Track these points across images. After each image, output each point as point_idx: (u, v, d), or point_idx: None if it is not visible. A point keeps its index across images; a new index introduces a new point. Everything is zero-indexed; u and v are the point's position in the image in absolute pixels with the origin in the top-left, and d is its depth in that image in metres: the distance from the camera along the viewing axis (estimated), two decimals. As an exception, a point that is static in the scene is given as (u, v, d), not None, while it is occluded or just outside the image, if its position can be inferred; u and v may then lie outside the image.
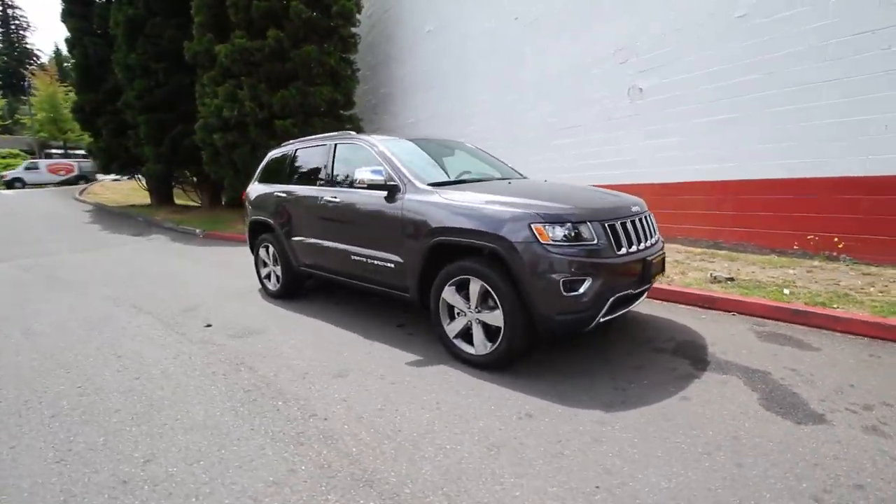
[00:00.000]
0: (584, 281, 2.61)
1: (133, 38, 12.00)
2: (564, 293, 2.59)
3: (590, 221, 2.70)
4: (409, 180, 3.36)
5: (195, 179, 14.05)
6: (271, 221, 4.66)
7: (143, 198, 16.47)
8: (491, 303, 2.86)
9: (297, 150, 4.64)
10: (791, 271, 4.61)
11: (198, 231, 10.57)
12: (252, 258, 5.23)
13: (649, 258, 2.91)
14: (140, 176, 15.58)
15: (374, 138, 3.87)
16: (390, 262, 3.42)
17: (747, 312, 3.82)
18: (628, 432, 2.20)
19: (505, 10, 8.55)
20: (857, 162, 4.46)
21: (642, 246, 2.94)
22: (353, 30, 11.54)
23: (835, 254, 4.67)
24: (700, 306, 4.07)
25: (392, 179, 3.39)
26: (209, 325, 4.06)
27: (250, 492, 1.89)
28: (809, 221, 4.84)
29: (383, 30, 12.67)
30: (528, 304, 2.65)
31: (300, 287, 4.83)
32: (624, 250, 2.79)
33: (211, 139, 10.49)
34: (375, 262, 3.54)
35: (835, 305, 3.69)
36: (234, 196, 13.01)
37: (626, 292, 2.79)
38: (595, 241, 2.68)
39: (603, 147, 6.94)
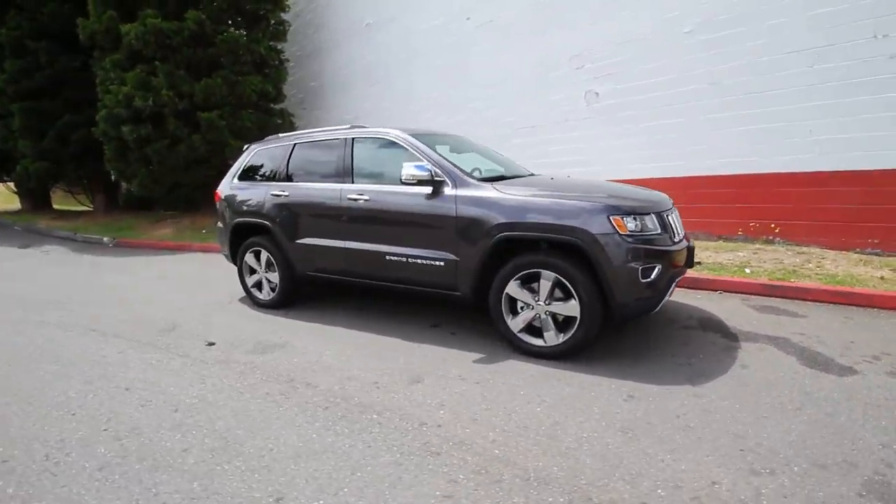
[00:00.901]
0: (654, 267, 2.83)
1: (2, 11, 9.82)
2: (641, 280, 2.78)
3: (652, 213, 2.93)
4: (458, 176, 3.31)
5: (86, 181, 11.96)
6: (267, 224, 4.21)
7: (8, 202, 13.58)
8: (559, 294, 2.95)
9: (296, 144, 4.25)
10: (741, 254, 5.41)
11: (106, 240, 9.08)
12: (217, 269, 4.68)
13: (690, 245, 3.24)
14: (6, 176, 12.84)
15: (400, 132, 3.71)
16: (439, 260, 3.32)
17: (730, 290, 4.43)
18: (726, 400, 2.45)
19: (455, 9, 8.64)
20: (787, 161, 5.39)
21: (682, 235, 3.26)
22: (283, 16, 10.77)
23: (772, 237, 5.58)
24: (686, 287, 4.60)
25: (438, 175, 3.30)
26: (212, 344, 3.58)
27: (427, 510, 1.76)
28: (750, 211, 5.71)
29: (312, 19, 11.99)
30: (608, 292, 2.79)
31: (296, 295, 4.45)
32: (676, 238, 3.07)
33: (117, 132, 9.05)
34: (419, 261, 3.41)
35: (791, 279, 4.44)
36: (143, 197, 11.40)
37: (679, 277, 3.08)
38: (658, 231, 2.91)
39: (561, 146, 7.40)
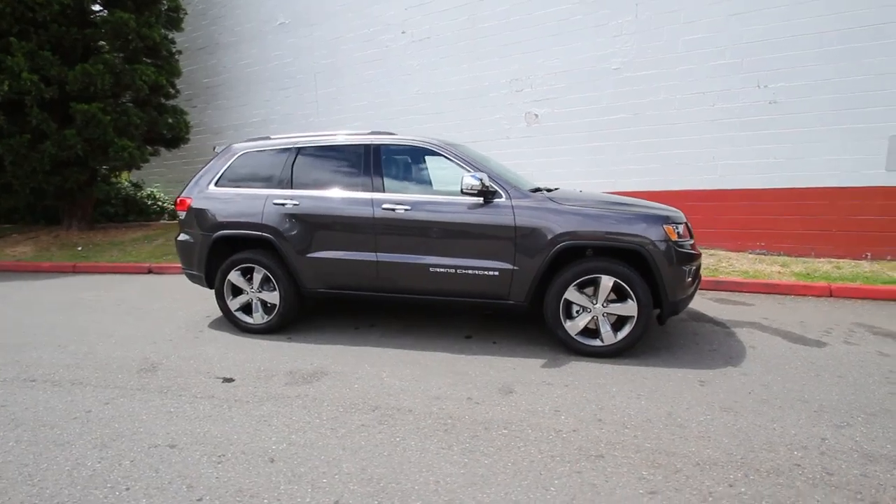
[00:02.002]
0: (692, 269, 3.28)
1: None
2: (686, 279, 3.21)
3: (684, 223, 3.39)
4: (513, 186, 3.38)
5: None
6: (268, 236, 3.69)
7: None
8: (613, 296, 3.22)
9: (301, 147, 3.81)
10: (668, 257, 6.45)
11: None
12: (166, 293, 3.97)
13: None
14: None
15: (437, 140, 3.64)
16: (493, 269, 3.33)
17: (683, 287, 5.26)
18: (769, 375, 2.96)
19: (389, 20, 8.59)
20: (696, 180, 6.60)
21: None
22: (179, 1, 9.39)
23: (687, 243, 6.76)
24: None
25: (492, 185, 3.32)
26: (230, 380, 3.01)
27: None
28: (670, 221, 6.84)
29: (206, 9, 10.71)
30: (663, 292, 3.14)
31: (294, 317, 3.96)
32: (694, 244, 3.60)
33: (-55, 121, 6.83)
34: (471, 271, 3.37)
35: (720, 276, 5.47)
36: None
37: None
38: (689, 239, 3.39)
39: (502, 162, 7.85)
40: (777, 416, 2.46)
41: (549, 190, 3.63)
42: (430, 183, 3.79)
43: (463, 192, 3.26)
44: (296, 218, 3.66)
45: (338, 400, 2.72)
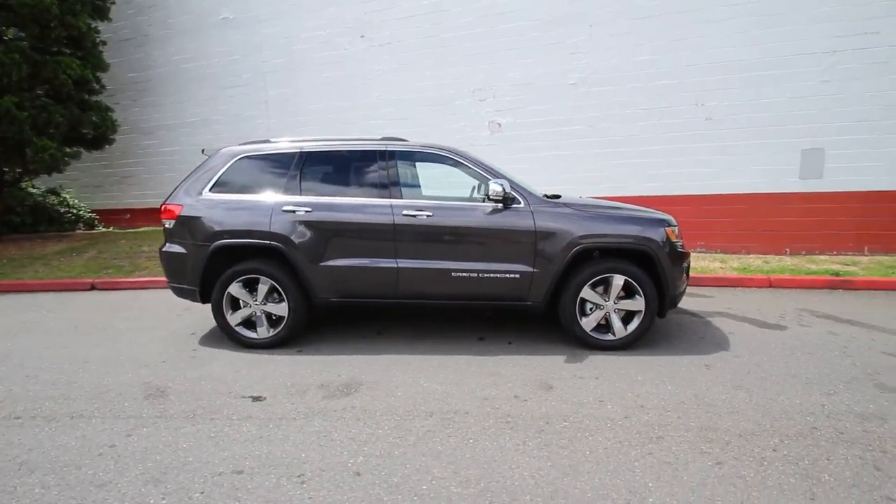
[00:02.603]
0: (686, 266, 3.68)
1: None
2: (683, 276, 3.59)
3: (676, 225, 3.78)
4: (530, 193, 3.55)
5: None
6: (277, 245, 3.51)
7: None
8: (622, 293, 3.52)
9: (309, 151, 3.68)
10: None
11: None
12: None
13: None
14: None
15: (447, 146, 3.71)
16: (514, 272, 3.48)
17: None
18: (755, 356, 3.40)
19: (345, 23, 8.46)
20: (647, 187, 7.29)
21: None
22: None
23: (639, 244, 7.43)
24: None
25: (511, 192, 3.47)
26: (260, 398, 2.85)
27: None
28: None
29: (134, -1, 9.73)
30: (665, 288, 3.49)
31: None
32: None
33: None
34: (492, 275, 3.48)
35: (675, 273, 6.11)
36: None
37: (683, 274, 4.04)
38: (681, 239, 3.79)
39: (467, 168, 8.07)
40: (780, 391, 2.86)
41: (555, 196, 3.86)
42: (443, 189, 3.85)
43: (489, 198, 3.38)
44: (308, 225, 3.52)
45: (389, 409, 2.69)
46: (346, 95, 8.67)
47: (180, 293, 3.82)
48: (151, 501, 1.92)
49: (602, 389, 2.91)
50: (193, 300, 3.78)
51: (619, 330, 3.52)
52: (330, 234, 3.54)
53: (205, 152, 4.01)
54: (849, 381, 2.97)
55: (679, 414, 2.59)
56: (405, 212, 3.51)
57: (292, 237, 3.52)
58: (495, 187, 3.34)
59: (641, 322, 3.50)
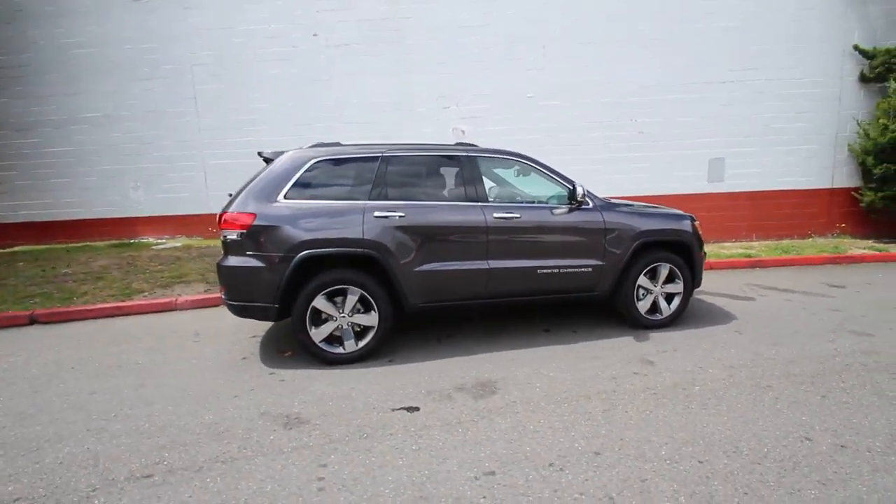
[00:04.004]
0: (705, 254, 4.47)
1: None
2: (703, 261, 4.37)
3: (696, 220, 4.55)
4: (592, 195, 3.96)
5: None
6: (371, 252, 3.36)
7: None
8: (664, 278, 4.16)
9: (389, 156, 3.56)
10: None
11: None
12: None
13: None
14: None
15: (517, 151, 3.96)
16: (587, 266, 3.87)
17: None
18: (756, 322, 4.31)
19: (294, 20, 7.97)
20: (595, 190, 8.29)
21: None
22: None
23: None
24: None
25: (583, 194, 3.84)
26: (415, 409, 2.80)
27: None
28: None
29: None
30: (695, 273, 4.22)
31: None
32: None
33: None
34: (571, 269, 3.83)
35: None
36: None
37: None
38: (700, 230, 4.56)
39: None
40: (799, 344, 3.73)
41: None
42: (520, 191, 4.06)
43: (575, 200, 3.73)
44: (402, 231, 3.44)
45: (548, 398, 2.86)
46: (298, 95, 8.14)
47: (245, 312, 3.38)
48: (442, 515, 1.85)
49: (691, 359, 3.46)
50: (264, 319, 3.38)
51: (665, 310, 4.16)
52: (424, 239, 3.50)
53: (263, 155, 3.60)
54: (832, 331, 4.00)
55: (760, 369, 3.26)
56: (496, 214, 3.65)
57: (386, 243, 3.40)
58: (579, 189, 3.71)
59: (681, 302, 4.19)
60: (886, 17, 7.64)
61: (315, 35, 8.04)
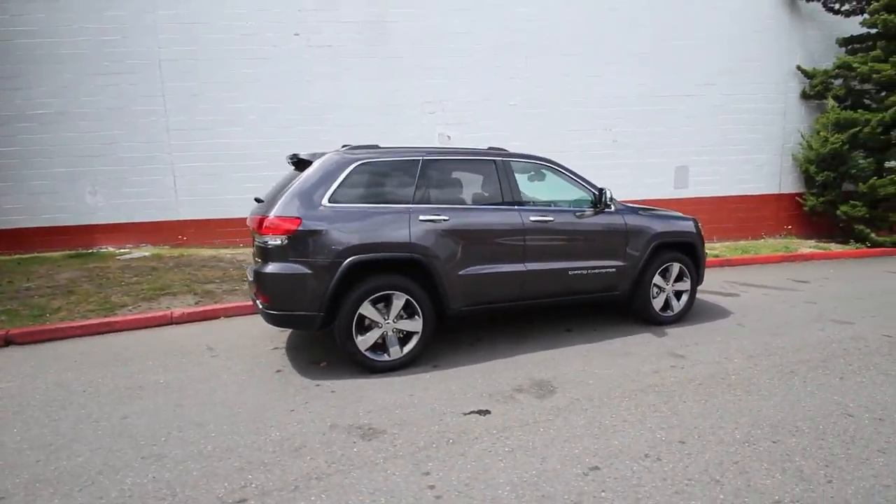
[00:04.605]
0: (706, 253, 4.82)
1: None
2: (705, 260, 4.72)
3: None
4: (613, 199, 4.15)
5: None
6: (417, 256, 3.33)
7: None
8: (674, 277, 4.44)
9: (427, 159, 3.54)
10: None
11: None
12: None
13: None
14: None
15: (548, 158, 4.12)
16: (612, 267, 4.07)
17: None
18: (752, 315, 4.71)
19: (274, 17, 7.66)
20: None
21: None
22: None
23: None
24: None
25: (607, 198, 4.03)
26: (486, 412, 2.81)
27: None
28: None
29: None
30: (699, 271, 4.54)
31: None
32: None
33: None
34: (597, 270, 4.00)
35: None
36: None
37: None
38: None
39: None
40: (796, 334, 4.13)
41: None
42: (549, 195, 4.17)
43: (605, 204, 3.91)
44: (447, 234, 3.43)
45: (607, 395, 2.98)
46: (278, 97, 7.82)
47: (287, 322, 3.23)
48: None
49: (713, 351, 3.73)
50: (306, 329, 3.26)
51: (676, 306, 4.45)
52: (467, 242, 3.52)
53: (299, 156, 3.46)
54: (817, 320, 4.47)
55: (776, 357, 3.58)
56: (532, 217, 3.74)
57: (432, 247, 3.38)
58: (608, 193, 3.89)
59: (689, 300, 4.50)
60: (823, 41, 8.66)
61: (297, 35, 7.78)
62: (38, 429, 2.67)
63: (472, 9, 8.09)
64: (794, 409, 2.73)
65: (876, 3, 7.56)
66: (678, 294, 4.48)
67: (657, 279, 4.32)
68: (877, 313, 4.62)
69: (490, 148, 3.99)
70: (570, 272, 3.91)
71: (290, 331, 4.34)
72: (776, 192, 9.14)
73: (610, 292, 4.18)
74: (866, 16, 7.76)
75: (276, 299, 3.18)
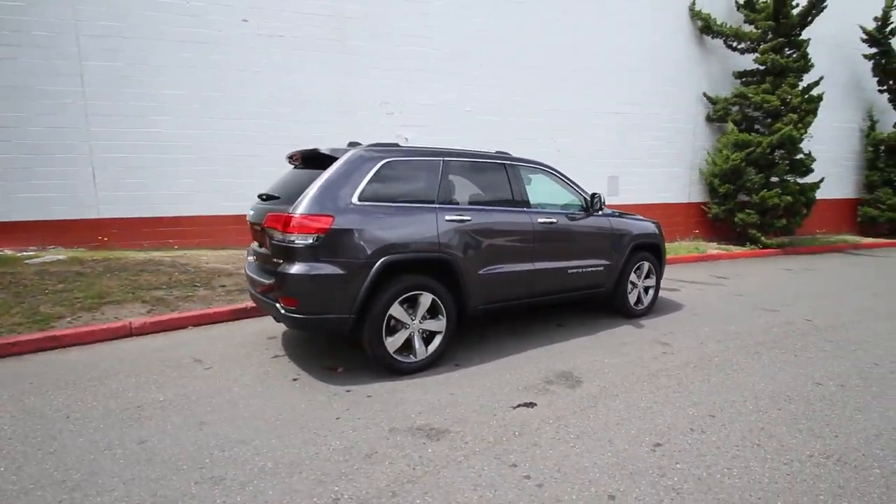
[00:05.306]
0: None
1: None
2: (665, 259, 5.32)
3: (650, 225, 5.48)
4: (604, 203, 4.51)
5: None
6: (445, 256, 3.35)
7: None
8: (644, 274, 4.95)
9: (447, 160, 3.55)
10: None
11: None
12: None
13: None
14: None
15: (546, 163, 4.36)
16: (601, 266, 4.43)
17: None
18: (702, 307, 5.42)
19: (225, 2, 7.02)
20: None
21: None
22: None
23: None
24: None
25: (602, 203, 4.39)
26: (532, 404, 2.94)
27: None
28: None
29: None
30: (662, 268, 5.11)
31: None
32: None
33: None
34: (590, 269, 4.34)
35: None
36: None
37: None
38: (657, 234, 5.50)
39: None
40: (743, 321, 4.84)
41: None
42: (547, 198, 4.37)
43: (597, 208, 4.23)
44: (469, 234, 3.49)
45: (634, 379, 3.27)
46: (222, 86, 7.17)
47: (318, 325, 3.04)
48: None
49: (689, 338, 4.23)
50: (337, 333, 3.11)
51: (646, 300, 4.97)
52: (486, 242, 3.60)
53: (320, 151, 3.25)
54: (752, 310, 5.27)
55: (739, 340, 4.18)
56: (540, 219, 3.94)
57: (457, 247, 3.42)
58: (603, 198, 4.23)
59: (655, 294, 5.05)
60: (723, 73, 10.18)
61: (245, 20, 7.21)
62: (35, 465, 2.21)
63: (431, 14, 8.19)
64: (776, 383, 3.25)
65: (765, 45, 9.12)
66: (646, 289, 5.01)
67: (633, 276, 4.79)
68: (790, 302, 5.59)
69: (499, 152, 4.13)
70: (569, 271, 4.19)
71: (279, 338, 4.07)
72: (686, 201, 10.52)
73: (598, 289, 4.54)
74: (758, 55, 9.32)
75: (305, 302, 2.97)
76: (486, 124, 8.71)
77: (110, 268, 5.87)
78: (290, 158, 3.78)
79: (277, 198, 3.30)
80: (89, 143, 6.72)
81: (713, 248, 9.53)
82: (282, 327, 4.38)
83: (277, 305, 3.08)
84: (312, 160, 3.43)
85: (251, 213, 3.60)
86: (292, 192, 3.19)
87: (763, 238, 9.41)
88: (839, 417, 2.73)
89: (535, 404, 2.90)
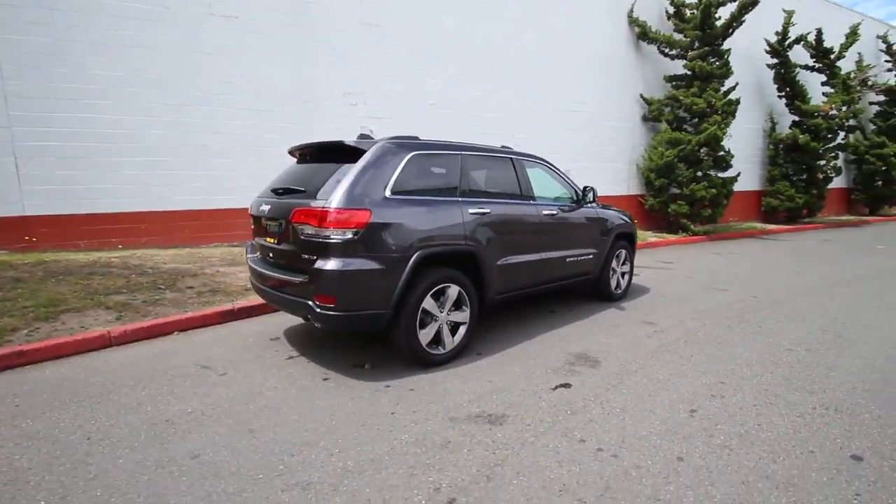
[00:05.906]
0: (630, 240, 5.91)
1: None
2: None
3: (620, 216, 5.91)
4: (592, 196, 4.79)
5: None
6: (471, 248, 3.41)
7: None
8: (622, 261, 5.37)
9: (464, 154, 3.59)
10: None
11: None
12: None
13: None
14: None
15: (541, 156, 4.54)
16: (591, 254, 4.74)
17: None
18: (672, 289, 5.98)
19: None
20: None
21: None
22: None
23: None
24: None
25: (594, 195, 4.67)
26: (567, 385, 3.13)
27: None
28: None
29: None
30: (634, 254, 5.56)
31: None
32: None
33: None
34: (582, 257, 4.63)
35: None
36: None
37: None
38: (621, 225, 5.95)
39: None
40: (703, 300, 5.43)
41: None
42: (542, 191, 4.54)
43: (590, 200, 4.51)
44: (489, 226, 3.58)
45: (649, 354, 3.57)
46: (169, 67, 6.51)
47: (355, 322, 2.94)
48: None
49: (667, 317, 4.68)
50: (373, 328, 3.00)
51: (623, 285, 5.39)
52: (504, 233, 3.72)
53: (345, 143, 3.12)
54: (706, 290, 5.92)
55: (710, 317, 4.70)
56: (545, 211, 4.13)
57: (480, 239, 3.49)
58: (595, 191, 4.51)
59: (629, 278, 5.49)
60: (656, 76, 11.14)
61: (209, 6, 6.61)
62: (81, 494, 1.97)
63: (393, 4, 8.06)
64: (757, 351, 3.73)
65: (693, 53, 10.14)
66: (623, 274, 5.44)
67: (613, 263, 5.18)
68: (733, 282, 6.36)
69: (503, 146, 4.24)
70: (567, 259, 4.45)
71: (283, 338, 3.89)
72: (626, 193, 11.42)
73: (587, 276, 4.86)
74: (686, 61, 10.34)
75: (344, 298, 2.88)
76: (449, 118, 8.79)
77: (51, 271, 5.16)
78: (297, 151, 3.60)
79: (302, 191, 3.14)
80: (10, 128, 5.80)
81: (651, 237, 10.47)
82: (280, 327, 4.19)
83: (310, 303, 2.95)
84: (332, 152, 3.31)
85: (261, 207, 3.39)
86: (315, 186, 3.07)
87: (692, 226, 10.53)
88: (819, 376, 3.23)
89: (571, 385, 3.09)
